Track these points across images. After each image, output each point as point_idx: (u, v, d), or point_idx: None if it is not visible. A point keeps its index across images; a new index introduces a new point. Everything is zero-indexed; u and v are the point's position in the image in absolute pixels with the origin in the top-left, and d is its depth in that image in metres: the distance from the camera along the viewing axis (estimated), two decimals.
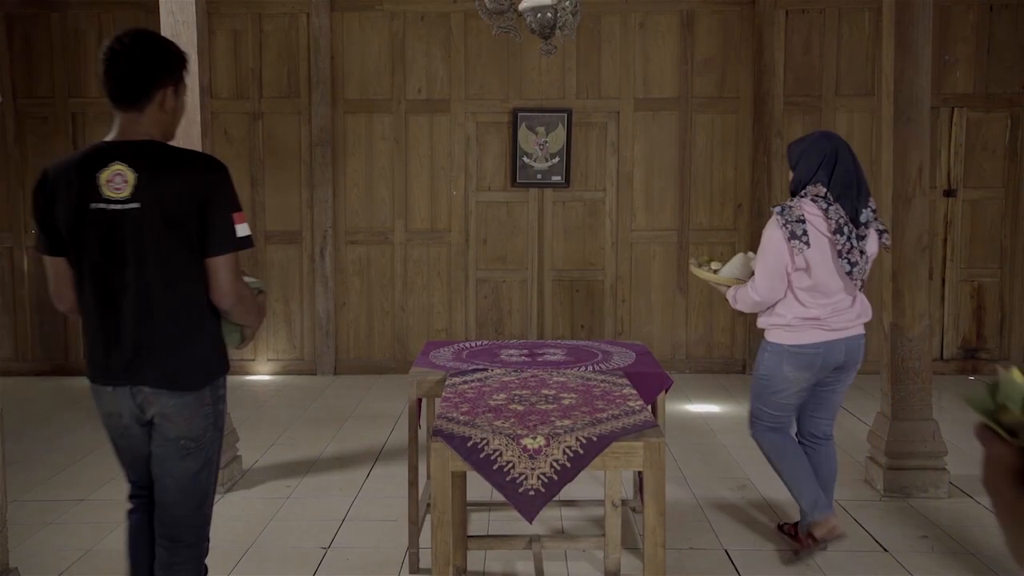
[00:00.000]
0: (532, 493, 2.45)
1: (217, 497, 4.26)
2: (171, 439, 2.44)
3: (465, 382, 3.10)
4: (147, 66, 2.40)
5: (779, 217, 3.25)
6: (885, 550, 3.61)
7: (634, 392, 2.90)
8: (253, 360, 6.89)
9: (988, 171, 6.81)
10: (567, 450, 2.44)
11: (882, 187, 4.28)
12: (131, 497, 2.63)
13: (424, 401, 3.60)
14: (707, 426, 5.34)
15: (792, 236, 3.21)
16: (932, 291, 6.68)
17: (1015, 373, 0.92)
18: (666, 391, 3.51)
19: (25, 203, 6.85)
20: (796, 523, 3.60)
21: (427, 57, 6.79)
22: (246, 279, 2.52)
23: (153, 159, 2.35)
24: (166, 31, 4.17)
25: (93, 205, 2.33)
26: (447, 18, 6.76)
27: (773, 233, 3.28)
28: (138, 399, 2.41)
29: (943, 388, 5.75)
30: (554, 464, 2.44)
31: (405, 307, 6.90)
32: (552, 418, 2.60)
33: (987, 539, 3.73)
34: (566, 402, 2.77)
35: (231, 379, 3.43)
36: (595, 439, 2.44)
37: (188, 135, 4.22)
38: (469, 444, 2.45)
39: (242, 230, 2.40)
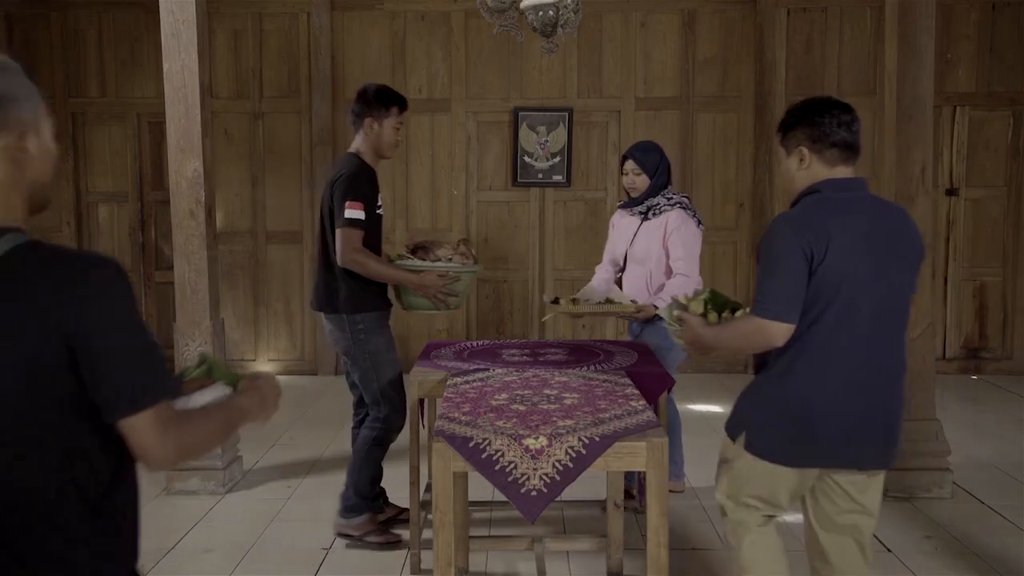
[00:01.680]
0: (534, 493, 2.44)
1: (217, 498, 4.25)
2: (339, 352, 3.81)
3: (467, 382, 3.08)
4: (358, 104, 3.59)
5: (696, 216, 3.95)
6: (889, 550, 3.59)
7: (636, 392, 2.88)
8: (254, 360, 6.87)
9: (990, 170, 6.79)
10: (569, 450, 2.42)
11: (884, 186, 4.26)
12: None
13: (426, 401, 3.58)
14: (709, 426, 5.32)
15: (700, 223, 3.96)
16: (934, 290, 6.65)
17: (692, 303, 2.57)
18: (668, 391, 3.50)
19: None
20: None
21: (428, 56, 6.78)
22: (456, 264, 3.57)
23: (335, 165, 3.65)
24: (166, 30, 4.16)
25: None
26: (448, 17, 6.74)
27: (695, 228, 3.90)
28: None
29: (945, 388, 5.73)
30: (556, 464, 2.43)
31: None
32: (554, 418, 2.58)
33: (991, 539, 3.71)
34: (568, 402, 2.76)
35: None
36: (598, 439, 2.42)
37: (188, 135, 4.22)
38: (471, 444, 2.43)
39: (351, 213, 3.39)
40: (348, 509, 3.65)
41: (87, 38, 6.74)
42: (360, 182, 3.47)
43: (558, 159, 6.74)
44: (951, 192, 6.79)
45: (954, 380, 6.55)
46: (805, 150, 2.37)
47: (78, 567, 1.32)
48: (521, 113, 6.72)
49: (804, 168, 2.38)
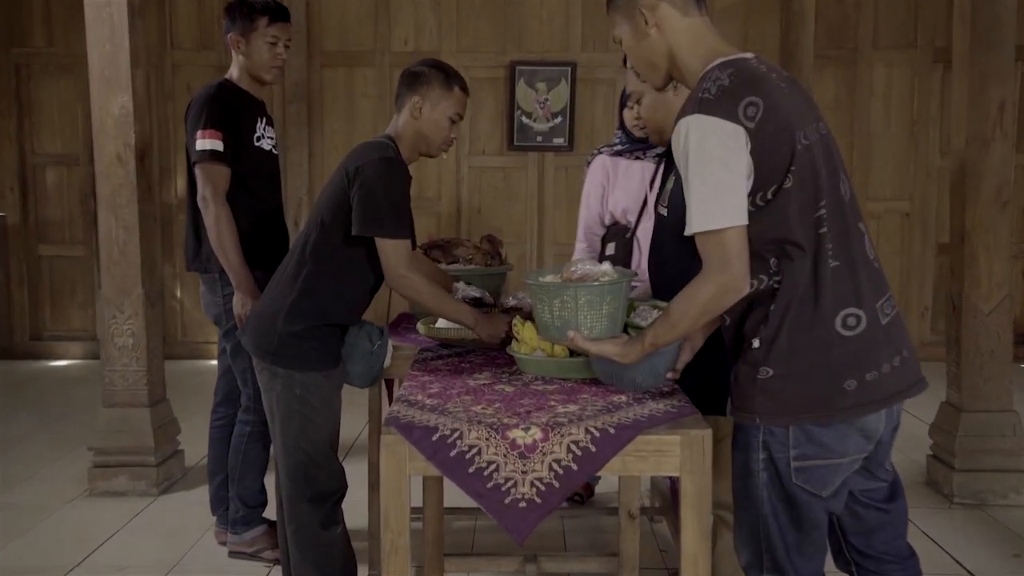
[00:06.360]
0: (523, 505, 1.75)
1: (148, 500, 3.56)
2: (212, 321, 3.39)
3: (439, 356, 2.38)
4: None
5: None
6: (972, 574, 2.88)
7: None
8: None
9: None
10: (573, 446, 1.73)
11: (952, 130, 3.56)
12: None
13: (395, 383, 2.90)
14: None
15: None
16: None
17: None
18: None
19: None
20: None
21: (414, 4, 6.07)
22: (479, 267, 2.92)
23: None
24: None
25: None
26: None
27: None
28: None
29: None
30: (554, 466, 1.73)
31: None
32: (552, 402, 1.89)
33: None
34: (572, 381, 2.06)
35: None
36: (612, 431, 1.73)
37: (114, 63, 3.54)
38: (435, 437, 1.73)
39: (202, 144, 2.85)
40: (236, 523, 3.04)
41: None
42: (216, 107, 2.85)
43: (559, 120, 6.05)
44: None
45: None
46: None
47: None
48: (518, 68, 6.03)
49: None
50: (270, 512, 3.01)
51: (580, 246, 3.14)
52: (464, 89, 2.41)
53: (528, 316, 2.22)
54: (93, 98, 3.56)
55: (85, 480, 3.63)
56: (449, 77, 2.38)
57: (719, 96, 1.59)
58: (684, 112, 1.63)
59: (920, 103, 6.04)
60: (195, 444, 4.03)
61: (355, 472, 3.24)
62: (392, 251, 2.25)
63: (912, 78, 6.04)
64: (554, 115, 6.07)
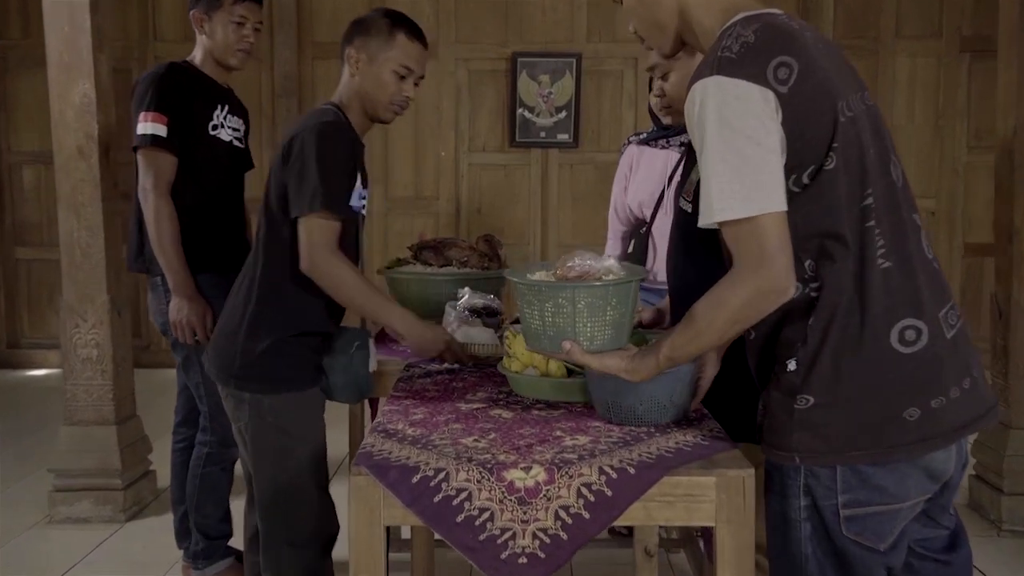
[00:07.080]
0: (524, 560, 1.43)
1: (114, 527, 3.25)
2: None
3: (427, 374, 2.06)
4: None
5: None
6: None
7: None
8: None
9: None
10: (584, 489, 1.41)
11: (998, 116, 3.24)
12: None
13: (380, 403, 2.58)
14: None
15: None
16: None
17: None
18: None
19: None
20: None
21: None
22: (475, 271, 2.59)
23: None
24: None
25: None
26: None
27: None
28: None
29: None
30: (561, 514, 1.42)
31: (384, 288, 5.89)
32: (558, 432, 1.57)
33: None
34: (582, 407, 1.74)
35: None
36: (631, 470, 1.41)
37: (74, 46, 3.24)
38: (415, 479, 1.42)
39: (142, 128, 2.61)
40: (197, 557, 2.75)
41: None
42: (162, 89, 2.59)
43: (564, 114, 5.76)
44: None
45: None
46: None
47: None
48: (521, 60, 5.74)
49: None
50: (237, 541, 2.69)
51: (608, 243, 2.95)
52: (414, 36, 2.06)
53: None
54: (51, 86, 3.26)
55: (45, 507, 3.31)
56: (393, 23, 2.04)
57: (743, 54, 1.28)
58: (699, 74, 1.31)
59: (946, 95, 5.74)
60: (166, 464, 3.73)
61: (344, 495, 2.93)
62: (317, 228, 1.90)
63: (937, 69, 5.73)
64: (558, 110, 5.77)
